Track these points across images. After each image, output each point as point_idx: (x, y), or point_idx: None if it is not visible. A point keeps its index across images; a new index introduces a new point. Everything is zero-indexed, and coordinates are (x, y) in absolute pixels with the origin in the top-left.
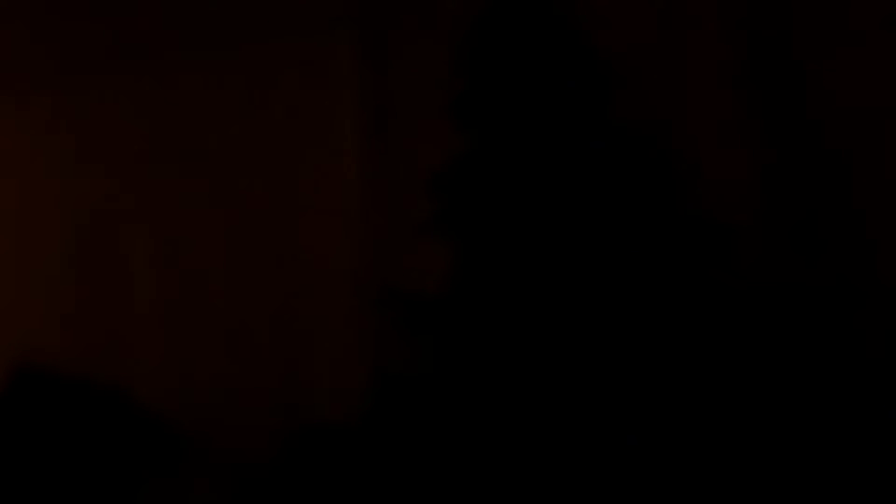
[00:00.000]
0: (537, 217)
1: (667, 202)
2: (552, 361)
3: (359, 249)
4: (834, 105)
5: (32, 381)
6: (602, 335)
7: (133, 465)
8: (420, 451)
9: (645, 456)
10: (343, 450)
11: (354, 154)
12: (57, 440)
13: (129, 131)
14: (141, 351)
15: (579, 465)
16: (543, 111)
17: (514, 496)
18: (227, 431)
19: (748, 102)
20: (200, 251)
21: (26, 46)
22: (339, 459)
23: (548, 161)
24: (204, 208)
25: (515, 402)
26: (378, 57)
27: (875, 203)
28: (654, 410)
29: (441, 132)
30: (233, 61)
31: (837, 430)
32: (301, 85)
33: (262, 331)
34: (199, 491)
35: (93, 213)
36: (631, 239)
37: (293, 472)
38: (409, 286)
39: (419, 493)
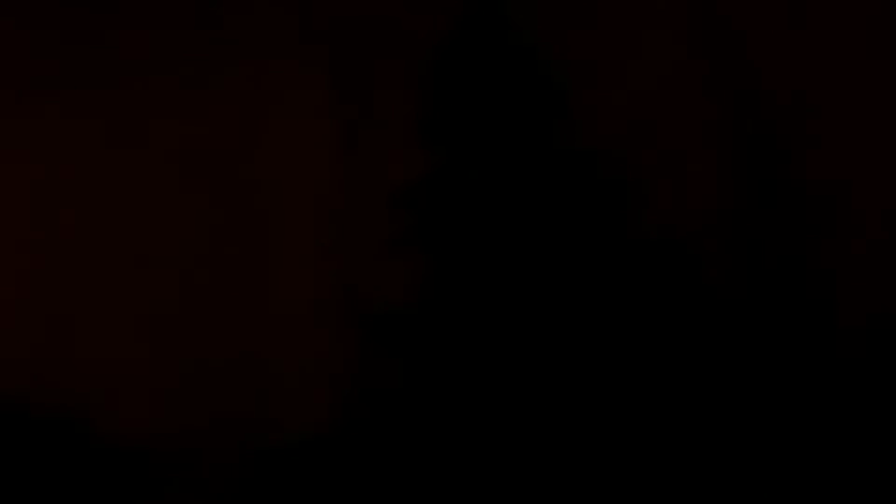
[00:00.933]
0: (503, 232)
1: (626, 216)
2: (520, 373)
3: (329, 264)
4: (793, 118)
5: None
6: (567, 342)
7: (96, 494)
8: (392, 464)
9: (613, 472)
10: (315, 466)
11: (325, 170)
12: (8, 469)
13: (91, 152)
14: (105, 372)
15: (549, 476)
16: (506, 129)
17: None
18: (197, 452)
19: (708, 119)
20: (169, 268)
21: None
22: (310, 475)
23: (511, 177)
24: (172, 225)
25: (486, 413)
26: (348, 76)
27: (833, 221)
28: (619, 426)
29: (410, 150)
30: (202, 80)
31: (801, 433)
32: (272, 102)
33: (232, 347)
34: None
35: (59, 230)
36: (593, 252)
37: (265, 490)
38: (379, 300)
39: None
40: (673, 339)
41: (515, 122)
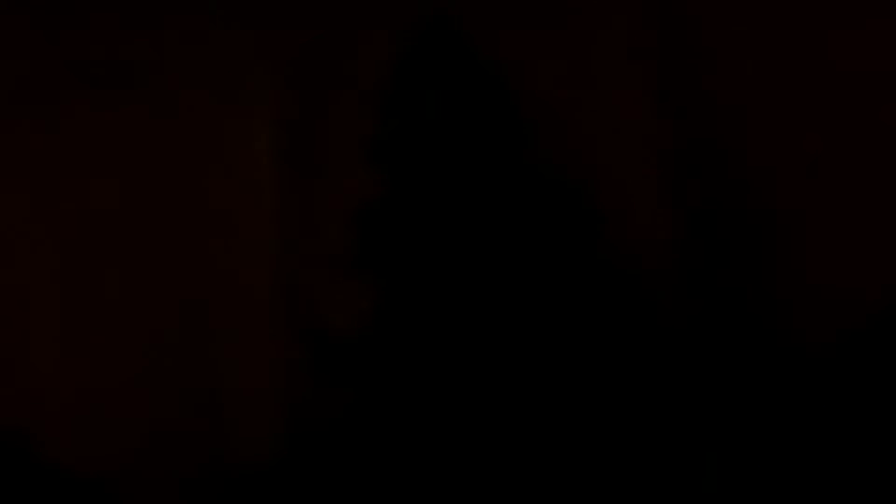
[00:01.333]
0: (456, 257)
1: (583, 243)
2: (474, 400)
3: (278, 288)
4: (752, 144)
5: None
6: (519, 375)
7: None
8: (336, 495)
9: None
10: (263, 494)
11: (273, 192)
12: None
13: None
14: (45, 393)
15: None
16: (459, 153)
17: None
18: (141, 477)
19: (662, 147)
20: (111, 291)
21: None
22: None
23: (465, 201)
24: (116, 245)
25: (432, 445)
26: (298, 95)
27: (793, 247)
28: (573, 455)
29: (360, 171)
30: (152, 94)
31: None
32: (220, 121)
33: (177, 371)
34: None
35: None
36: (549, 279)
37: None
38: (331, 326)
39: None
40: (630, 370)
41: (471, 144)
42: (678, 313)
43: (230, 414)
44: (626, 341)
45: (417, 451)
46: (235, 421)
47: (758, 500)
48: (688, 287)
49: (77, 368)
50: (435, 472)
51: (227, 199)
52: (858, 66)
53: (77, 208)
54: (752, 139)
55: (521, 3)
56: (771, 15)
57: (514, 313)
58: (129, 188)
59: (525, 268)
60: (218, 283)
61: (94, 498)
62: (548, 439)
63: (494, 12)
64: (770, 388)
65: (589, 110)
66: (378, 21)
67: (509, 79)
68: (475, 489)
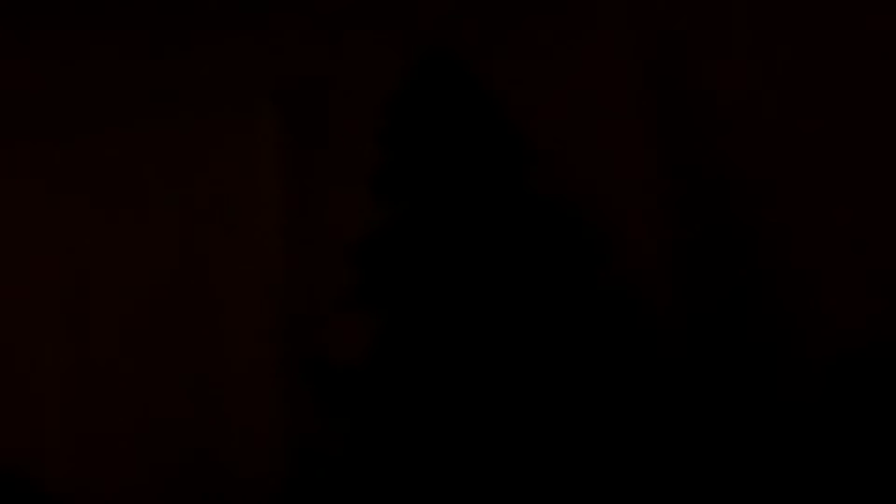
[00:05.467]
0: (458, 289)
1: (584, 271)
2: (476, 437)
3: (280, 323)
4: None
5: None
6: (525, 409)
7: None
8: None
9: None
10: None
11: (276, 225)
12: None
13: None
14: (44, 432)
15: None
16: (461, 184)
17: None
18: None
19: (664, 171)
20: (112, 326)
21: None
22: None
23: (467, 233)
24: (118, 280)
25: (435, 478)
26: (301, 129)
27: (789, 275)
28: (575, 486)
29: (363, 204)
30: (154, 134)
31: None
32: (223, 157)
33: (178, 407)
34: None
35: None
36: (550, 309)
37: None
38: (330, 360)
39: None
40: (631, 399)
41: (472, 174)
42: (677, 337)
43: (232, 451)
44: (627, 368)
45: (420, 485)
46: (237, 458)
47: None
48: (687, 311)
49: (79, 410)
50: None
51: (229, 230)
52: (858, 82)
53: (77, 257)
54: (752, 163)
55: (519, 34)
56: (765, 35)
57: (516, 344)
58: (127, 235)
59: (527, 298)
60: (219, 316)
61: None
62: (549, 470)
63: (493, 43)
64: (770, 409)
65: (589, 139)
66: (378, 52)
67: (509, 108)
68: None
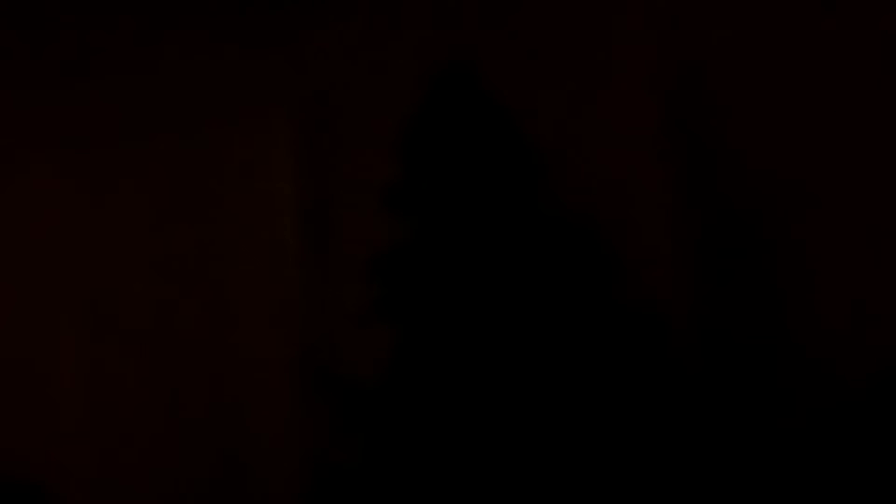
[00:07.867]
0: (475, 304)
1: (600, 287)
2: (494, 452)
3: (298, 337)
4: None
5: None
6: (540, 425)
7: None
8: None
9: None
10: None
11: (292, 241)
12: None
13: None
14: (67, 443)
15: None
16: (477, 199)
17: None
18: None
19: (679, 186)
20: (134, 339)
21: None
22: None
23: (483, 247)
24: (139, 293)
25: (450, 497)
26: (317, 145)
27: (800, 286)
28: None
29: (379, 220)
30: (170, 145)
31: None
32: (240, 173)
33: (198, 421)
34: None
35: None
36: (566, 325)
37: None
38: (348, 374)
39: None
40: (646, 414)
41: (489, 191)
42: (693, 356)
43: (252, 463)
44: (642, 385)
45: (436, 499)
46: (257, 475)
47: None
48: (703, 331)
49: (96, 422)
50: None
51: (248, 248)
52: (884, 109)
53: (95, 265)
54: (770, 182)
55: (535, 51)
56: (782, 61)
57: (530, 360)
58: (144, 245)
59: (542, 315)
60: (239, 335)
61: None
62: (568, 487)
63: (510, 60)
64: (785, 435)
65: (605, 157)
66: (395, 69)
67: (525, 125)
68: None
